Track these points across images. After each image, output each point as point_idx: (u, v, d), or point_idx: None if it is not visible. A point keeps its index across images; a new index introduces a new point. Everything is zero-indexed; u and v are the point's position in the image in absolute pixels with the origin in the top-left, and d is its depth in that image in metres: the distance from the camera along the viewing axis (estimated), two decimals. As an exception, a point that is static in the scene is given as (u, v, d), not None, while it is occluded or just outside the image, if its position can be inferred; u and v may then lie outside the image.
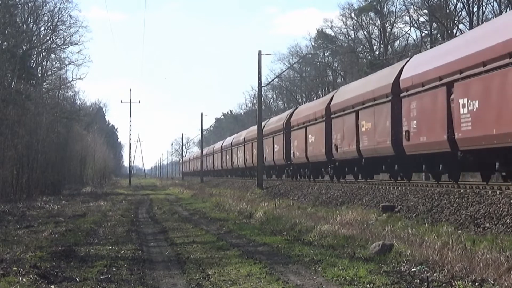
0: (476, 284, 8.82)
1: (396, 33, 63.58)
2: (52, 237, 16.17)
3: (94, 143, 76.26)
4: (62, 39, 47.75)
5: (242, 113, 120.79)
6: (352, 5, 67.23)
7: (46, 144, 40.91)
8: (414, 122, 19.88)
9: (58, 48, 48.92)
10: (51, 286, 9.59)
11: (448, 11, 52.52)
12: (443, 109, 17.86)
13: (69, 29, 46.84)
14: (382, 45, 64.18)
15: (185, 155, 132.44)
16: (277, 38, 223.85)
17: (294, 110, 40.28)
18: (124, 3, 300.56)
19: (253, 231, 17.29)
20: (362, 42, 68.60)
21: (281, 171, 43.24)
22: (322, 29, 74.79)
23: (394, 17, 61.88)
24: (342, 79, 69.49)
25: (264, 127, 45.97)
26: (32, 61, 47.02)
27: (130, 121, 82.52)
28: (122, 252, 13.67)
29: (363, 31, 66.90)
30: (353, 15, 66.91)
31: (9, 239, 15.75)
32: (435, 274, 9.67)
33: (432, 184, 21.05)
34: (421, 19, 56.89)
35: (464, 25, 50.73)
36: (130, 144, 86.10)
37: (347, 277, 9.72)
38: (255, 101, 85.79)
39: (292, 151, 36.55)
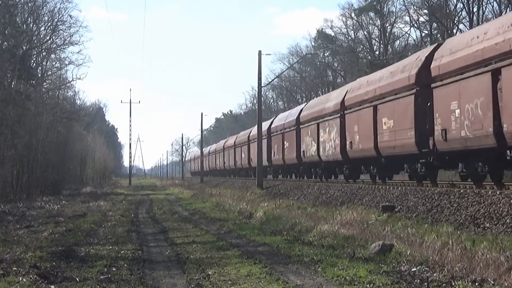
0: (476, 284, 8.81)
1: (396, 33, 63.70)
2: (52, 237, 16.18)
3: (94, 143, 76.27)
4: (62, 39, 47.77)
5: (242, 113, 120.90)
6: (352, 5, 67.42)
7: (46, 144, 40.91)
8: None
9: (58, 48, 48.93)
10: (51, 286, 9.59)
11: (448, 11, 52.54)
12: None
13: (69, 29, 46.84)
14: (382, 45, 64.19)
15: (185, 155, 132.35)
16: (277, 38, 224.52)
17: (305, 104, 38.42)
18: (124, 3, 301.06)
19: (253, 231, 17.28)
20: (362, 42, 68.62)
21: (290, 171, 41.10)
22: (322, 29, 74.97)
23: (394, 17, 61.99)
24: (342, 79, 69.51)
25: (272, 123, 44.37)
26: (32, 61, 47.01)
27: (130, 121, 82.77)
28: (122, 252, 13.66)
29: (363, 31, 66.97)
30: (353, 15, 67.00)
31: (9, 239, 15.74)
32: (435, 274, 9.67)
33: (432, 184, 21.04)
34: (421, 19, 57.00)
35: (464, 25, 50.78)
36: (130, 144, 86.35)
37: (347, 277, 9.71)
38: (255, 101, 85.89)
39: (302, 150, 35.02)
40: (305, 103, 39.78)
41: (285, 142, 39.28)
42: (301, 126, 35.49)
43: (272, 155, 42.86)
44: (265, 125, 45.06)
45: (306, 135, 33.92)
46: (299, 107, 39.88)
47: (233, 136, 69.83)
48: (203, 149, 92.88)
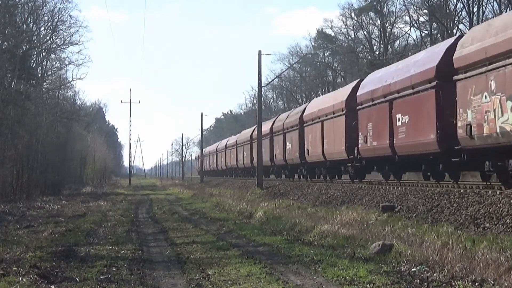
0: (476, 284, 8.82)
1: (396, 33, 63.66)
2: (52, 237, 16.18)
3: (94, 143, 76.29)
4: (62, 39, 47.74)
5: (242, 113, 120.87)
6: (352, 5, 67.31)
7: (46, 144, 40.93)
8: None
9: (58, 48, 48.89)
10: (51, 286, 9.59)
11: (448, 11, 52.53)
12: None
13: (69, 29, 46.82)
14: (382, 45, 64.16)
15: (185, 155, 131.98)
16: (277, 38, 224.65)
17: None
18: (124, 3, 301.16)
19: (253, 231, 17.29)
20: (362, 42, 68.57)
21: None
22: (322, 29, 74.94)
23: (394, 17, 61.94)
24: (342, 79, 69.50)
25: (360, 85, 26.31)
26: (32, 61, 47.01)
27: (130, 121, 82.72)
28: (122, 252, 13.67)
29: (363, 31, 66.92)
30: (353, 15, 66.95)
31: (9, 239, 15.76)
32: (435, 274, 9.67)
33: (432, 184, 21.05)
34: (421, 19, 56.97)
35: (464, 25, 50.76)
36: (130, 144, 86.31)
37: (347, 277, 9.71)
38: (255, 101, 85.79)
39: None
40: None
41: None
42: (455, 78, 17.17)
43: (363, 140, 24.79)
44: (342, 92, 30.08)
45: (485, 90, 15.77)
46: (433, 48, 21.86)
47: (268, 121, 48.32)
48: (207, 147, 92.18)
